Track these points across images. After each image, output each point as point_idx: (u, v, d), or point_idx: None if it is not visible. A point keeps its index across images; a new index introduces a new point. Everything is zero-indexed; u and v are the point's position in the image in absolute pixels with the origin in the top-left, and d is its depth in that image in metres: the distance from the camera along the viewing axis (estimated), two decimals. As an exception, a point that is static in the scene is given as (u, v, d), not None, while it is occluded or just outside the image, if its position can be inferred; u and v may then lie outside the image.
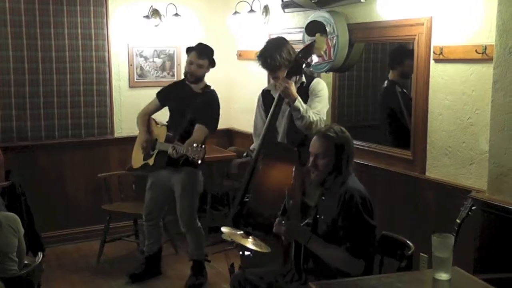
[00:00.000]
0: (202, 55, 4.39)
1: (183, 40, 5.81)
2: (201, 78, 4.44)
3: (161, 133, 4.44)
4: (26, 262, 3.25)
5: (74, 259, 5.19)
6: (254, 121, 4.06)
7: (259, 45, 5.41)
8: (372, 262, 2.85)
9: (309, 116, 3.57)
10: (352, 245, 2.72)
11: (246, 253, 2.79)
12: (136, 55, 5.66)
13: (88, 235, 5.49)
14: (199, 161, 3.85)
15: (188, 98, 4.41)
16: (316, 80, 3.84)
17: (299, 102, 3.55)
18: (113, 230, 5.23)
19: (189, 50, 4.47)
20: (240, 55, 5.95)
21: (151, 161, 4.45)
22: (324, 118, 3.73)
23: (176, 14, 5.54)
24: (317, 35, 3.67)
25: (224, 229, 2.94)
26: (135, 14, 5.57)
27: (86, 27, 5.36)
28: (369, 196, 2.85)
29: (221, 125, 6.13)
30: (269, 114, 3.70)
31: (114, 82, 5.58)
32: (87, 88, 5.45)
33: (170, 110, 4.58)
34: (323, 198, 2.95)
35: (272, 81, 3.93)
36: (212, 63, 4.47)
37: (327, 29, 4.31)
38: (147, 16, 5.54)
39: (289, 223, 2.91)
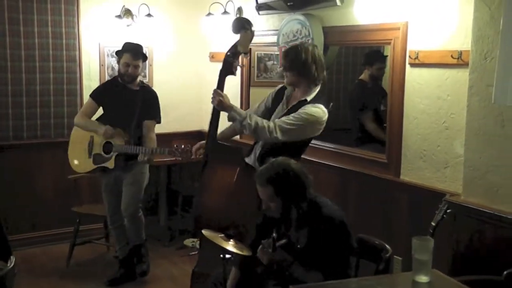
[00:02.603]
0: (138, 55, 4.47)
1: (156, 41, 5.78)
2: (136, 77, 4.54)
3: (116, 135, 4.45)
4: (-3, 266, 3.16)
5: (42, 262, 5.08)
6: (260, 102, 3.90)
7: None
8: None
9: (250, 123, 3.37)
10: (329, 271, 2.69)
11: (227, 256, 2.77)
12: (108, 55, 5.57)
13: (57, 238, 5.36)
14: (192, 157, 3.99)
15: (127, 96, 4.50)
16: (313, 104, 3.46)
17: (234, 112, 3.44)
18: (83, 233, 5.13)
19: (120, 52, 4.51)
20: (213, 57, 5.92)
21: (110, 164, 4.47)
22: (285, 128, 3.37)
23: (149, 15, 5.48)
24: (241, 31, 3.58)
25: (205, 231, 2.92)
26: (107, 13, 5.48)
27: (57, 26, 5.24)
28: (343, 218, 2.80)
29: (192, 126, 6.17)
30: (209, 124, 3.65)
31: (84, 82, 5.48)
32: (57, 88, 5.33)
33: (105, 109, 4.63)
34: (296, 223, 2.86)
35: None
36: (144, 59, 4.61)
37: (303, 31, 4.33)
38: (119, 16, 5.46)
39: (272, 255, 2.80)
